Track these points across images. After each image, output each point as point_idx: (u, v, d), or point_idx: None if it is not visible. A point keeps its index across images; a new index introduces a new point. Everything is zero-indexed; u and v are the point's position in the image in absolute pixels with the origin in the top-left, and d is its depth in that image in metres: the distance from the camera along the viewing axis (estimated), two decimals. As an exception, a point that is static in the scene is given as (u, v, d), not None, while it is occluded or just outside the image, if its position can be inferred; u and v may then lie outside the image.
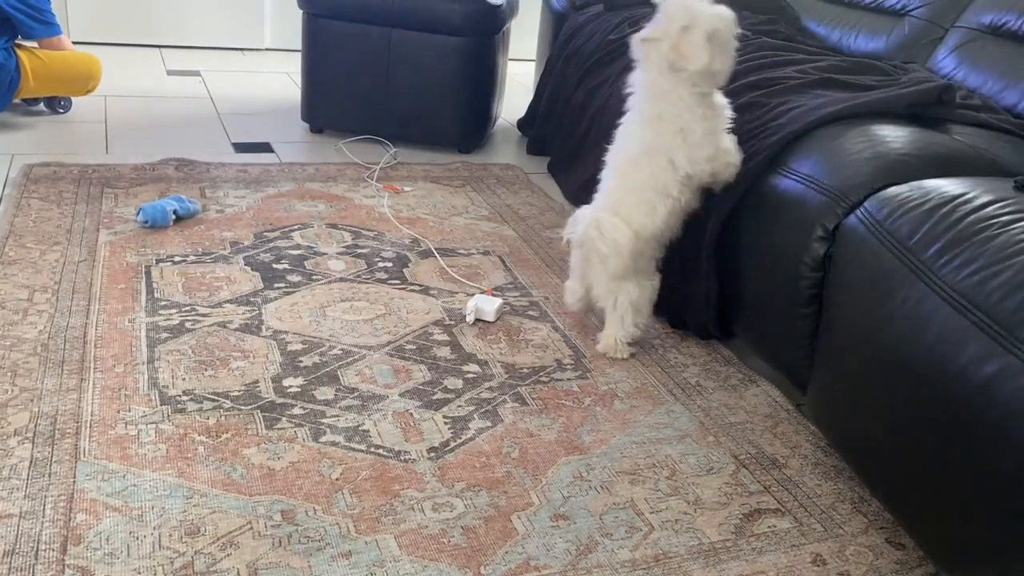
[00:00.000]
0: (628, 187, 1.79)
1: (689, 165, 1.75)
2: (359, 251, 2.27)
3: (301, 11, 3.06)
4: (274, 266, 2.14)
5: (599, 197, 1.85)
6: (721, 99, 1.81)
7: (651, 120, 1.77)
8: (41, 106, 3.11)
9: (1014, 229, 1.25)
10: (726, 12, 1.70)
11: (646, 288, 1.86)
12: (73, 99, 3.12)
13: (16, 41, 2.86)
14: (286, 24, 4.31)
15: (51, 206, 2.33)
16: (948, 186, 1.42)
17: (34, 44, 2.93)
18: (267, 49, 4.48)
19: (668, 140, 1.75)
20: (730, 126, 1.81)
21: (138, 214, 2.27)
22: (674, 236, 1.86)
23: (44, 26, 2.86)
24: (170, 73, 3.85)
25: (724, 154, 1.78)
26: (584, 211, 1.82)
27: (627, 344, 1.88)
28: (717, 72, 1.73)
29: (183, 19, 4.25)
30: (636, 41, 1.76)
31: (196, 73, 3.88)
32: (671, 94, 1.74)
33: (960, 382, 1.17)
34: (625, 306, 1.84)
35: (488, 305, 1.98)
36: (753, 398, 1.80)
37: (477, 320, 1.98)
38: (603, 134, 2.65)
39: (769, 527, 1.43)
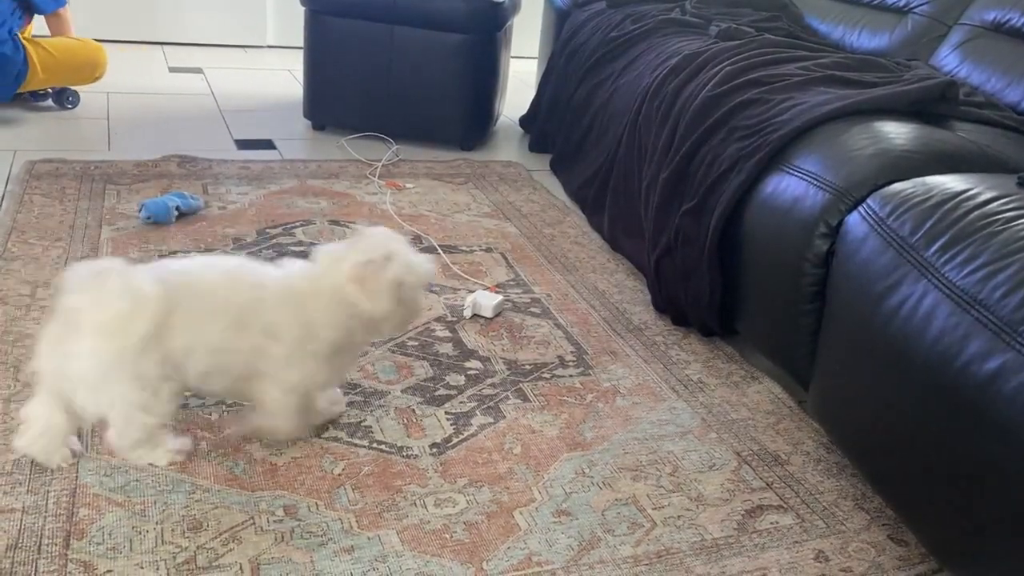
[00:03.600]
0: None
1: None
2: (361, 248, 2.27)
3: (303, 8, 3.06)
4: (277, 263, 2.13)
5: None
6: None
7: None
8: (50, 102, 3.13)
9: (1017, 225, 1.25)
10: (425, 270, 1.43)
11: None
12: (52, 102, 3.13)
13: (23, 35, 2.90)
14: (288, 21, 4.31)
15: (53, 202, 2.33)
16: (951, 183, 1.42)
17: (39, 36, 2.97)
18: (269, 46, 4.48)
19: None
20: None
21: (140, 210, 2.27)
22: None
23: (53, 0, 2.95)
24: (172, 70, 3.85)
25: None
26: None
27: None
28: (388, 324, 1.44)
29: (185, 16, 4.25)
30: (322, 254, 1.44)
31: (198, 70, 3.88)
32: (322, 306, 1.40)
33: (963, 378, 1.17)
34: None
35: (487, 301, 1.98)
36: (755, 395, 1.80)
37: (475, 315, 1.98)
38: (605, 131, 2.66)
39: (771, 523, 1.43)
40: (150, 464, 1.39)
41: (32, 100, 3.11)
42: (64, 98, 3.11)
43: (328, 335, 1.39)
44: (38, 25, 3.04)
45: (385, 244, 1.40)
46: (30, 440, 1.35)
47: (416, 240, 2.36)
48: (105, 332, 1.26)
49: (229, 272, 1.40)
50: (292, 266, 1.45)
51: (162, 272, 1.34)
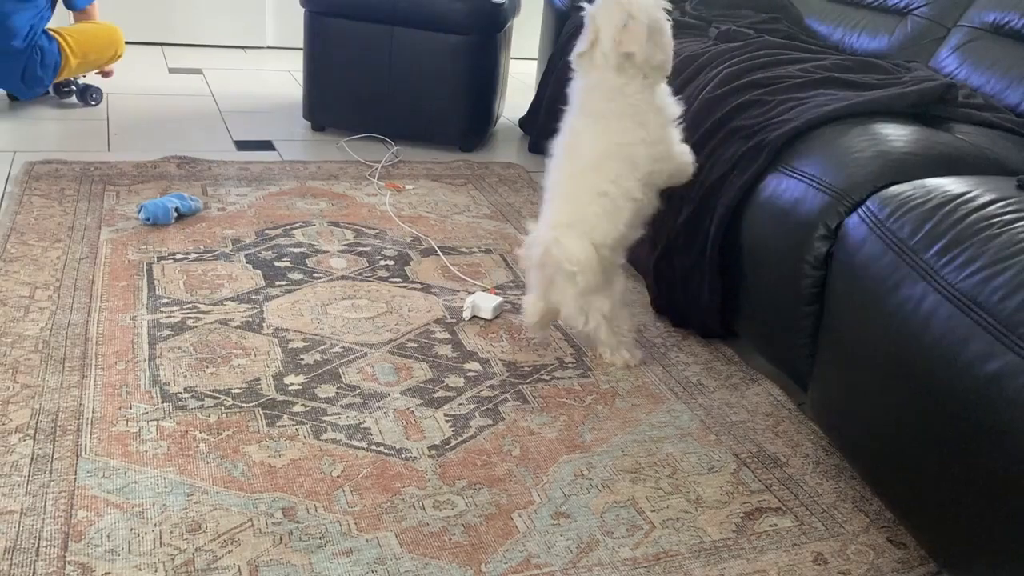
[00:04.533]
0: (585, 196, 1.72)
1: (650, 162, 1.73)
2: (361, 249, 2.27)
3: (303, 9, 3.06)
4: (275, 264, 2.14)
5: (549, 212, 1.77)
6: (668, 94, 1.79)
7: (607, 119, 1.73)
8: (74, 99, 3.20)
9: (1016, 228, 1.25)
10: (656, 2, 1.70)
11: (615, 295, 1.79)
12: (76, 99, 3.20)
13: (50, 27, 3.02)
14: (288, 22, 4.31)
15: (53, 203, 2.33)
16: (950, 185, 1.42)
17: (61, 26, 3.07)
18: (269, 47, 4.48)
19: (629, 136, 1.71)
20: (679, 123, 1.81)
21: (140, 211, 2.27)
22: (636, 238, 1.82)
23: None
24: (172, 71, 3.85)
25: (678, 153, 1.78)
26: (540, 229, 1.75)
27: (625, 350, 1.84)
28: (661, 62, 1.71)
29: (185, 17, 4.26)
30: (576, 56, 1.74)
31: (198, 71, 3.88)
32: (626, 88, 1.70)
33: (962, 381, 1.17)
34: (598, 320, 1.77)
35: (486, 302, 1.98)
36: (754, 397, 1.80)
37: (474, 317, 1.98)
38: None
39: (770, 526, 1.43)
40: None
41: (59, 97, 3.19)
42: (88, 95, 3.18)
43: (667, 102, 1.76)
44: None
45: (620, 4, 1.65)
46: (531, 318, 1.81)
47: (416, 242, 2.36)
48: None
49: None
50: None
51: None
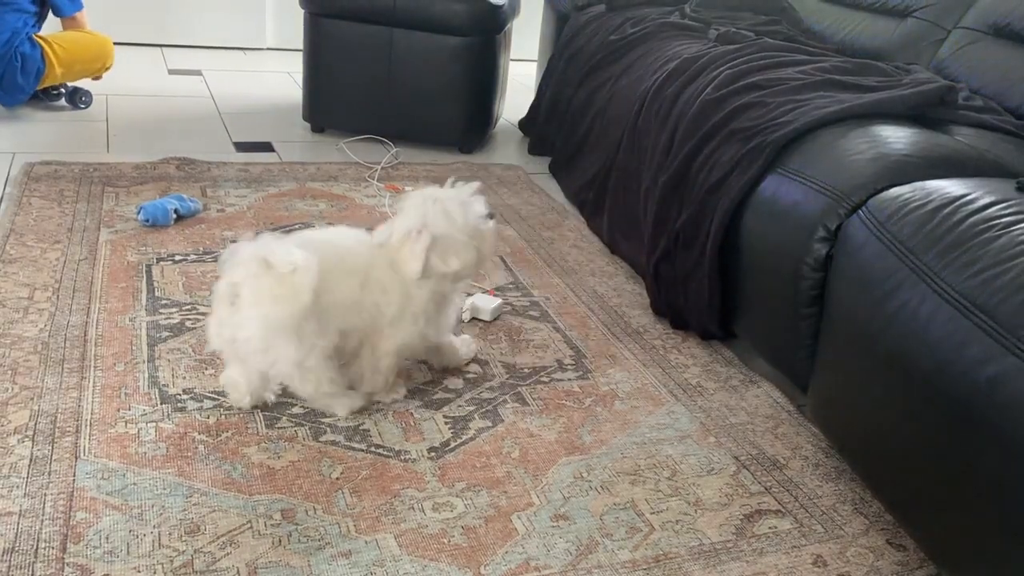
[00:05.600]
0: None
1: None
2: (360, 250, 2.27)
3: (303, 11, 3.06)
4: (275, 265, 2.13)
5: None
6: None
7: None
8: (63, 102, 3.17)
9: (1016, 230, 1.25)
10: (459, 214, 1.55)
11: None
12: (65, 101, 3.18)
13: (37, 34, 2.98)
14: (288, 24, 4.31)
15: (52, 204, 2.33)
16: (950, 187, 1.42)
17: (50, 33, 3.03)
18: (269, 49, 4.48)
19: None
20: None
21: (139, 213, 2.27)
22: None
23: (71, 2, 3.06)
24: (172, 72, 3.85)
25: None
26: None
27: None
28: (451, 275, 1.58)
29: (185, 18, 4.26)
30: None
31: (198, 72, 3.88)
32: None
33: (962, 383, 1.17)
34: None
35: (485, 304, 1.98)
36: (754, 399, 1.80)
37: (474, 319, 1.98)
38: (604, 135, 2.66)
39: (770, 528, 1.43)
40: (332, 415, 1.58)
41: (46, 100, 3.16)
42: (77, 98, 3.16)
43: (422, 295, 1.57)
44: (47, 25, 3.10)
45: (422, 212, 1.54)
46: (242, 395, 1.56)
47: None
48: (274, 299, 1.42)
49: (353, 236, 1.61)
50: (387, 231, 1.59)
51: (304, 240, 1.52)
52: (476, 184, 1.62)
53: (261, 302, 1.42)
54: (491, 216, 1.62)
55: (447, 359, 1.76)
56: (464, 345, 1.79)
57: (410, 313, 1.57)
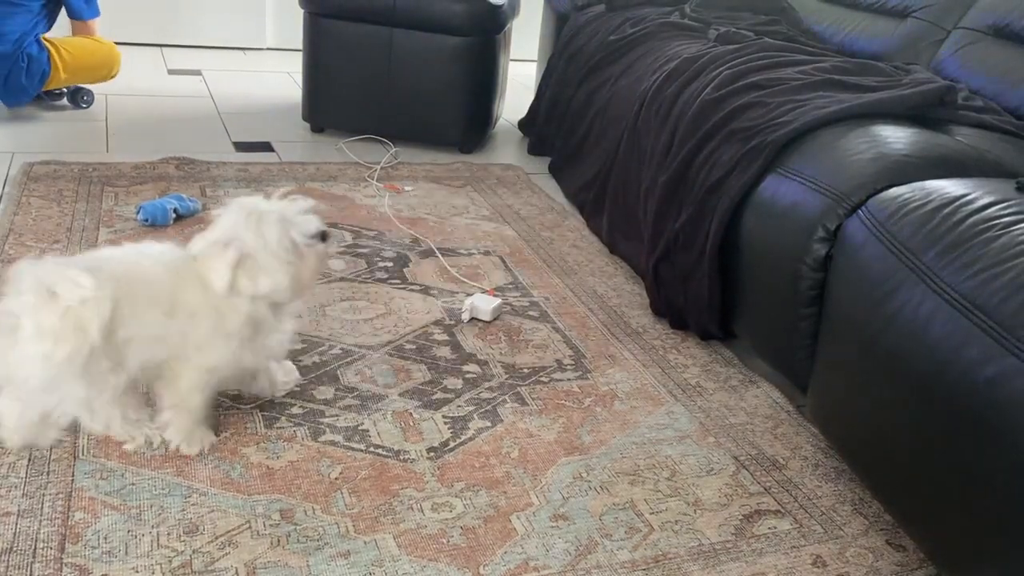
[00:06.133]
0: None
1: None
2: (359, 250, 2.27)
3: (302, 11, 3.06)
4: (274, 265, 2.13)
5: None
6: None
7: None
8: (65, 101, 3.17)
9: (1016, 230, 1.24)
10: (274, 232, 1.39)
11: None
12: (67, 101, 3.18)
13: (45, 36, 2.98)
14: (287, 24, 4.31)
15: (51, 204, 2.33)
16: (950, 187, 1.42)
17: (59, 37, 3.03)
18: (268, 48, 4.48)
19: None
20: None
21: (138, 213, 2.27)
22: None
23: (88, 7, 3.05)
24: (171, 72, 3.85)
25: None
26: None
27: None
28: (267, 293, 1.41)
29: (185, 18, 4.25)
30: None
31: (197, 72, 3.88)
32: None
33: (961, 383, 1.17)
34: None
35: (485, 304, 1.97)
36: (753, 399, 1.80)
37: (473, 319, 1.98)
38: (604, 135, 2.66)
39: (769, 528, 1.43)
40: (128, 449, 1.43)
41: (48, 100, 3.16)
42: (79, 97, 3.16)
43: (236, 316, 1.40)
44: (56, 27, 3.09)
45: (233, 224, 1.38)
46: (10, 432, 1.38)
47: (414, 243, 2.35)
48: (58, 337, 1.24)
49: (157, 256, 1.41)
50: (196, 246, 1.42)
51: (99, 264, 1.33)
52: (309, 202, 1.46)
53: (43, 339, 1.24)
54: (324, 237, 1.45)
55: (262, 388, 1.59)
56: (285, 373, 1.61)
57: (221, 335, 1.39)
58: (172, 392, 1.42)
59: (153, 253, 1.42)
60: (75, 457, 1.40)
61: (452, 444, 1.54)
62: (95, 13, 3.08)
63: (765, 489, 1.52)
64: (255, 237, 1.38)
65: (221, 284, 1.36)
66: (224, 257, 1.36)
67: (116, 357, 1.31)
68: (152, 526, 1.28)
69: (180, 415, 1.43)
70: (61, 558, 1.20)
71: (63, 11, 3.01)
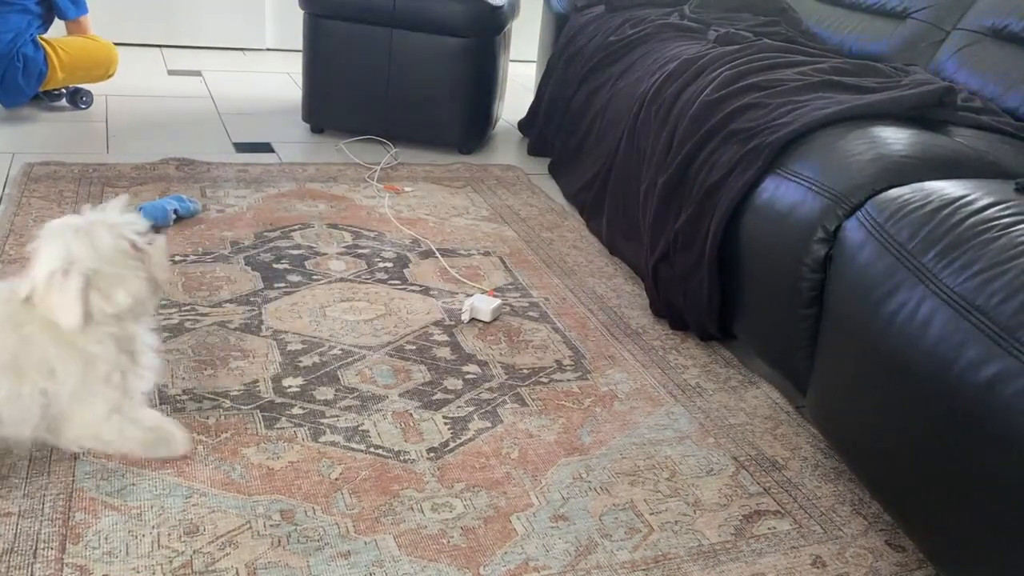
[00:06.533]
0: None
1: None
2: (359, 251, 2.27)
3: (302, 12, 3.06)
4: (274, 266, 2.13)
5: None
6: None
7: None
8: (64, 102, 3.17)
9: (1015, 231, 1.25)
10: (109, 240, 1.28)
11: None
12: (66, 102, 3.18)
13: (42, 36, 2.98)
14: (287, 24, 4.31)
15: (51, 205, 2.33)
16: (949, 188, 1.42)
17: (56, 37, 3.03)
18: (268, 49, 4.48)
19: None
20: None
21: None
22: None
23: (75, 6, 3.04)
24: (171, 73, 3.85)
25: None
26: None
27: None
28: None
29: (185, 19, 4.25)
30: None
31: (197, 73, 3.88)
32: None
33: (960, 384, 1.17)
34: None
35: (485, 305, 1.98)
36: (753, 400, 1.80)
37: (473, 320, 1.98)
38: (604, 135, 2.66)
39: (769, 529, 1.43)
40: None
41: (47, 100, 3.16)
42: (78, 98, 3.16)
43: (103, 348, 1.28)
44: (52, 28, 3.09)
45: (61, 248, 1.26)
46: None
47: (414, 244, 2.36)
48: None
49: None
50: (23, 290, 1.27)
51: None
52: (122, 197, 1.36)
53: None
54: (156, 230, 1.34)
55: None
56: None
57: (100, 376, 1.27)
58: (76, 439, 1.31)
59: None
60: (76, 457, 1.40)
61: (452, 445, 1.55)
62: (83, 10, 3.07)
63: (765, 490, 1.52)
64: (92, 253, 1.25)
65: (74, 318, 1.21)
66: (68, 286, 1.22)
67: None
68: (153, 526, 1.28)
69: (126, 446, 1.35)
70: (62, 558, 1.20)
71: None
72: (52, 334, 1.24)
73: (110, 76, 3.17)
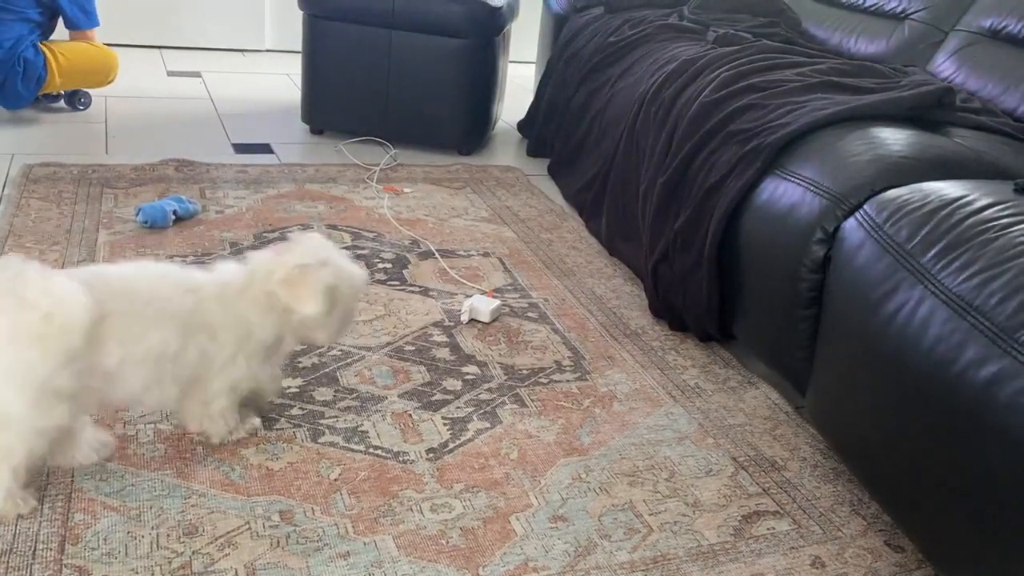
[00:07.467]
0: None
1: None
2: (359, 252, 2.27)
3: (302, 12, 3.06)
4: (274, 267, 2.13)
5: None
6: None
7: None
8: (62, 103, 3.17)
9: (1013, 232, 1.25)
10: (360, 277, 1.47)
11: None
12: (64, 103, 3.18)
13: (42, 40, 2.97)
14: (286, 25, 4.32)
15: (51, 206, 2.33)
16: (948, 189, 1.42)
17: (57, 40, 3.02)
18: (267, 50, 4.48)
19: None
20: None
21: (137, 214, 2.27)
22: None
23: (87, 17, 3.03)
24: (171, 74, 3.85)
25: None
26: None
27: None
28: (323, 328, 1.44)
29: (184, 20, 4.26)
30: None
31: (196, 74, 3.88)
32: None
33: (959, 384, 1.17)
34: None
35: (484, 305, 1.98)
36: (752, 400, 1.80)
37: (472, 320, 1.98)
38: (603, 136, 2.66)
39: (768, 529, 1.43)
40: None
41: (46, 102, 3.16)
42: (76, 100, 3.15)
43: (261, 336, 1.40)
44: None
45: (320, 250, 1.42)
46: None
47: (414, 245, 2.36)
48: (21, 339, 1.15)
49: (164, 277, 1.36)
50: (226, 269, 1.44)
51: (91, 278, 1.25)
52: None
53: (10, 340, 1.16)
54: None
55: (258, 399, 1.54)
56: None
57: (247, 353, 1.40)
58: (197, 412, 1.43)
59: (158, 272, 1.37)
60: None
61: (451, 445, 1.55)
62: (94, 23, 3.05)
63: (764, 490, 1.52)
64: (344, 274, 1.41)
65: (316, 306, 1.36)
66: (319, 279, 1.37)
67: (97, 379, 1.23)
68: (152, 527, 1.28)
69: (214, 427, 1.45)
70: (61, 559, 1.20)
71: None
72: (222, 304, 1.38)
73: (109, 82, 3.16)
